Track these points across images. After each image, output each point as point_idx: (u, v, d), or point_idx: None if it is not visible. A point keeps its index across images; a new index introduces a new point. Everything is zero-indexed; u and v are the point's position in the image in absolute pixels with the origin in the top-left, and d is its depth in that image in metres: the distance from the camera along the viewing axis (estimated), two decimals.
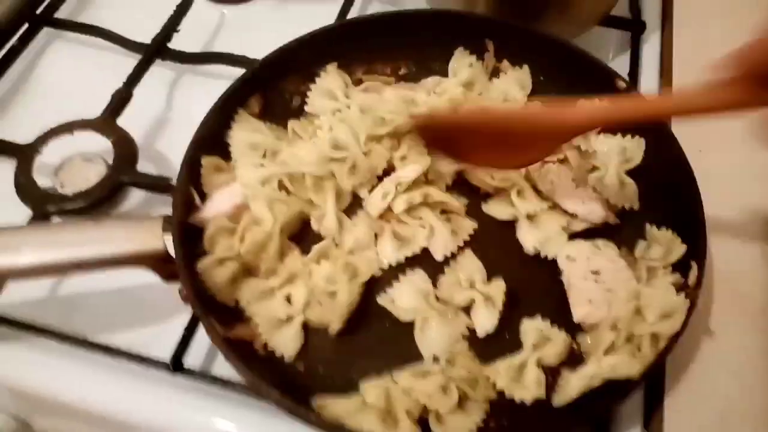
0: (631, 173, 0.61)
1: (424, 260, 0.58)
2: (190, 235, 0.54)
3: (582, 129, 0.52)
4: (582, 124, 0.51)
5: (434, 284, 0.56)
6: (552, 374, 0.52)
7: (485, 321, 0.52)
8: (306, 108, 0.65)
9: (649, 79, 0.74)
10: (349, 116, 0.62)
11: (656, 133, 0.60)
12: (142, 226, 0.51)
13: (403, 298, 0.55)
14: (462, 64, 0.67)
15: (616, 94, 0.61)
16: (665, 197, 0.58)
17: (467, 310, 0.54)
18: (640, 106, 0.49)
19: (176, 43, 0.77)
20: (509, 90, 0.66)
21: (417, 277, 0.56)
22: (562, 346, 0.52)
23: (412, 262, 0.57)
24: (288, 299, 0.54)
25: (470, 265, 0.56)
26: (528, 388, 0.49)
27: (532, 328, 0.53)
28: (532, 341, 0.52)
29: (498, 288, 0.53)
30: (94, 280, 0.61)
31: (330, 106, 0.64)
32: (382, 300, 0.55)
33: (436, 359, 0.52)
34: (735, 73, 0.42)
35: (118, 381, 0.55)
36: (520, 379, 0.50)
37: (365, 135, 0.60)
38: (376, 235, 0.58)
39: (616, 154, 0.61)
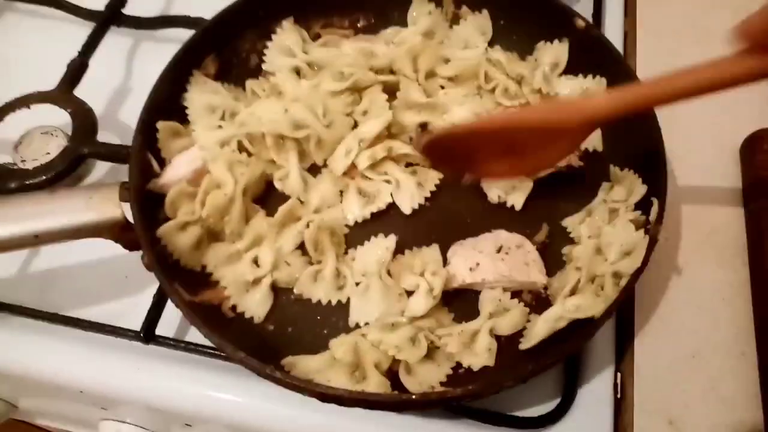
0: None
1: (389, 218, 0.57)
2: (150, 203, 0.54)
3: (595, 123, 0.48)
4: (594, 119, 0.46)
5: (394, 257, 0.55)
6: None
7: (417, 307, 0.51)
8: (263, 66, 0.63)
9: (613, 21, 0.72)
10: (301, 93, 0.60)
11: (616, 72, 0.59)
12: (99, 195, 0.50)
13: (363, 260, 0.55)
14: (421, 12, 0.65)
15: (578, 33, 0.60)
16: (627, 137, 0.57)
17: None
18: (650, 91, 0.44)
19: (131, 9, 0.75)
20: (470, 37, 0.64)
21: (383, 244, 0.55)
22: (519, 317, 0.51)
23: (380, 221, 0.57)
24: (255, 261, 0.54)
25: (431, 255, 0.55)
26: (478, 356, 0.49)
27: (489, 297, 0.52)
28: (489, 310, 0.51)
29: (440, 280, 0.52)
30: (64, 255, 0.61)
31: (288, 63, 0.63)
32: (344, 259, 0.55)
33: (357, 326, 0.52)
34: (743, 45, 0.40)
35: (93, 354, 0.56)
36: (471, 345, 0.50)
37: (322, 108, 0.59)
38: (341, 192, 0.58)
39: (577, 95, 0.60)
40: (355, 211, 0.57)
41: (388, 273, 0.54)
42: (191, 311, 0.47)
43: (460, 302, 0.54)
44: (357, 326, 0.52)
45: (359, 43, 0.64)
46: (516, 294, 0.53)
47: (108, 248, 0.54)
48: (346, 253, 0.56)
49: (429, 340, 0.50)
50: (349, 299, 0.53)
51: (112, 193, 0.50)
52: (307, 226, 0.55)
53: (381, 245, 0.55)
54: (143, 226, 0.50)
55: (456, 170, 0.57)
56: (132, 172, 0.52)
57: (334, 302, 0.53)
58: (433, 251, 0.55)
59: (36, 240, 0.49)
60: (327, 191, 0.57)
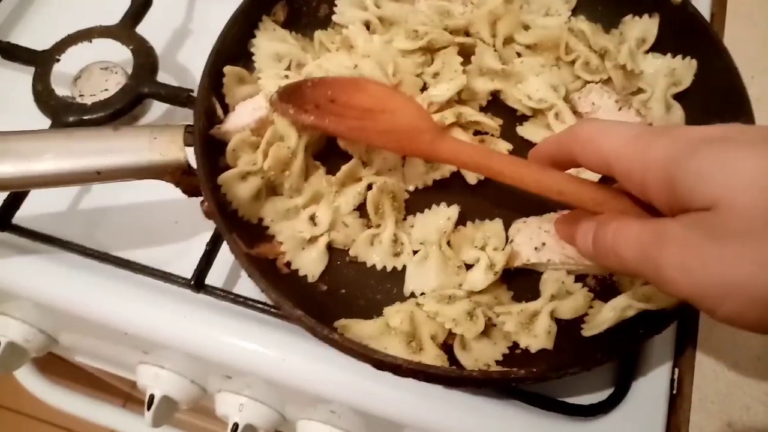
0: (678, 97, 0.57)
1: (452, 186, 0.55)
2: (212, 148, 0.52)
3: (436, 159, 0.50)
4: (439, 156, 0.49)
5: (455, 228, 0.53)
6: None
7: (476, 281, 0.49)
8: (334, 18, 0.61)
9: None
10: (372, 49, 0.57)
11: (709, 54, 0.55)
12: (163, 136, 0.49)
13: (422, 228, 0.53)
14: None
15: (670, 9, 0.57)
16: (715, 123, 0.54)
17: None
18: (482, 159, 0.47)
19: None
20: (552, 3, 0.61)
21: (445, 213, 0.53)
22: (582, 302, 0.49)
23: (442, 190, 0.55)
24: (312, 219, 0.53)
25: (494, 229, 0.53)
26: (537, 337, 0.47)
27: (552, 279, 0.50)
28: (551, 292, 0.49)
29: (503, 256, 0.50)
30: (115, 195, 0.60)
31: (359, 16, 0.60)
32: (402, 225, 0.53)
33: (413, 295, 0.50)
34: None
35: (141, 297, 0.55)
36: (530, 326, 0.48)
37: (392, 66, 0.56)
38: (404, 156, 0.56)
39: (663, 76, 0.57)
40: (417, 176, 0.55)
41: (448, 244, 0.52)
42: (250, 263, 0.46)
43: (520, 281, 0.52)
44: (412, 295, 0.50)
45: (435, 1, 0.61)
46: (580, 278, 0.51)
47: (159, 191, 0.54)
48: (404, 219, 0.54)
49: (486, 317, 0.48)
50: (405, 267, 0.52)
51: (177, 135, 0.49)
52: (369, 187, 0.53)
53: (443, 214, 0.53)
54: (206, 171, 0.48)
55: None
56: (197, 116, 0.51)
57: (389, 268, 0.52)
58: (496, 225, 0.53)
59: (98, 176, 0.48)
60: (390, 154, 0.55)
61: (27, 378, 0.74)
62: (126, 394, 1.22)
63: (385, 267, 0.52)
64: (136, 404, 1.13)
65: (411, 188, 0.55)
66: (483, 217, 0.54)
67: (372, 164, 0.55)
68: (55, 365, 0.84)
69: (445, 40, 0.57)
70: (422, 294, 0.50)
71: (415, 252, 0.52)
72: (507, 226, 0.53)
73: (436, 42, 0.57)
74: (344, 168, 0.54)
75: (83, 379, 0.95)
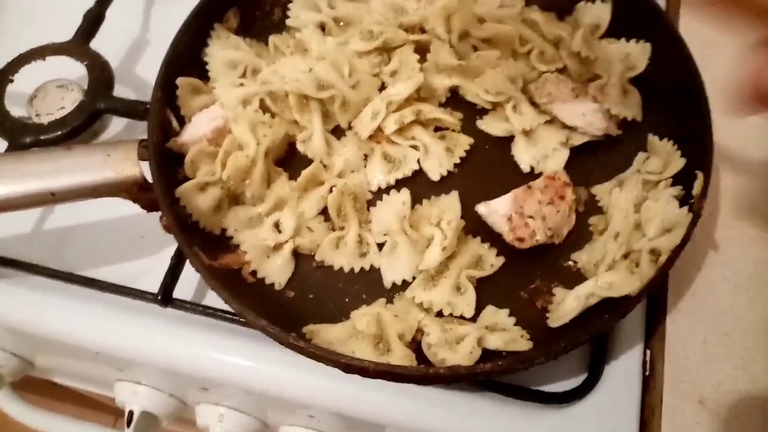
0: (634, 81, 0.57)
1: (416, 184, 0.55)
2: (169, 161, 0.52)
3: None
4: None
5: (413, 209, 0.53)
6: (541, 294, 0.50)
7: (431, 259, 0.49)
8: (287, 21, 0.61)
9: None
10: (327, 51, 0.57)
11: (662, 37, 0.55)
12: (117, 153, 0.48)
13: (380, 219, 0.53)
14: None
15: None
16: (670, 106, 0.54)
17: None
18: None
19: None
20: None
21: (398, 198, 0.53)
22: (512, 337, 0.47)
23: (404, 184, 0.55)
24: (276, 226, 0.52)
25: (448, 203, 0.53)
26: (457, 354, 0.45)
27: (491, 312, 0.49)
28: (485, 323, 0.48)
29: (455, 230, 0.50)
30: (79, 214, 0.60)
31: (313, 18, 0.60)
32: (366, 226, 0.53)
33: (395, 287, 0.50)
34: None
35: (109, 315, 0.55)
36: (453, 345, 0.46)
37: (348, 67, 0.56)
38: (365, 156, 0.56)
39: (619, 61, 0.57)
40: (379, 176, 0.55)
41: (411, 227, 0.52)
42: (211, 276, 0.46)
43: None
44: (394, 288, 0.50)
45: None
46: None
47: (123, 207, 0.53)
48: (369, 221, 0.54)
49: (472, 280, 0.49)
50: (372, 267, 0.52)
51: (131, 151, 0.49)
52: (330, 190, 0.53)
53: (396, 200, 0.53)
54: (162, 185, 0.48)
55: None
56: (151, 130, 0.50)
57: (356, 269, 0.52)
58: (451, 199, 0.53)
59: (53, 198, 0.47)
60: (351, 155, 0.55)
61: (6, 402, 0.73)
62: (117, 411, 1.21)
63: (352, 269, 0.52)
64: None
65: (374, 188, 0.55)
66: (439, 194, 0.54)
67: (333, 167, 0.55)
68: (43, 386, 0.83)
69: (400, 38, 0.57)
70: (407, 287, 0.50)
71: (380, 246, 0.52)
72: (466, 203, 0.53)
73: (391, 41, 0.57)
74: (305, 172, 0.53)
75: (73, 398, 0.94)
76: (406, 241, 0.51)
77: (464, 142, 0.56)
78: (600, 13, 0.59)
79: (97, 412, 1.08)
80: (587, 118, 0.55)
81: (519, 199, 0.51)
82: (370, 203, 0.54)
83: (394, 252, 0.51)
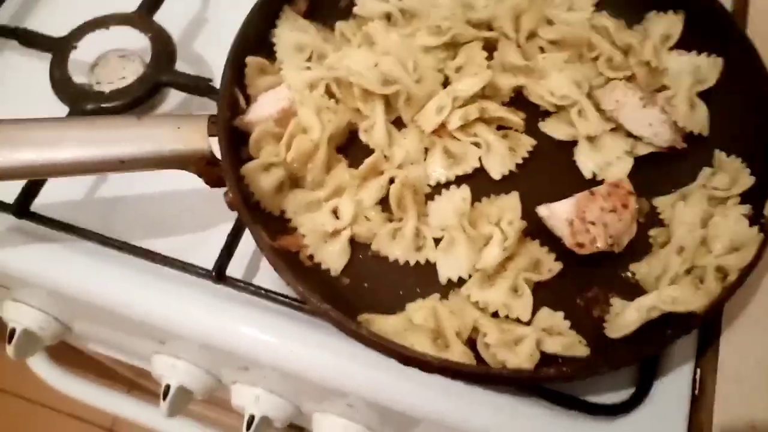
0: (703, 95, 0.56)
1: (476, 182, 0.55)
2: (235, 139, 0.52)
3: None
4: None
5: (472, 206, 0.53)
6: (598, 303, 0.50)
7: (489, 258, 0.49)
8: (355, 10, 0.60)
9: None
10: (392, 46, 0.57)
11: (736, 52, 0.55)
12: (187, 126, 0.48)
13: (438, 214, 0.53)
14: None
15: (696, 6, 0.56)
16: (739, 122, 0.54)
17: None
18: None
19: None
20: None
21: (458, 195, 0.53)
22: (574, 343, 0.47)
23: (463, 181, 0.55)
24: (335, 212, 0.52)
25: (509, 203, 0.53)
26: (518, 356, 0.46)
27: (546, 315, 0.49)
28: (542, 325, 0.48)
29: (516, 231, 0.50)
30: (134, 184, 0.60)
31: (380, 8, 0.59)
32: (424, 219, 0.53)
33: (450, 283, 0.50)
34: None
35: (160, 287, 0.55)
36: (513, 347, 0.46)
37: (412, 63, 0.56)
38: (426, 150, 0.56)
39: (688, 74, 0.56)
40: (440, 171, 0.55)
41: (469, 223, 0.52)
42: (274, 255, 0.45)
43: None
44: (449, 284, 0.50)
45: None
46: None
47: (175, 180, 0.53)
48: (426, 215, 0.54)
49: (530, 283, 0.48)
50: (427, 261, 0.51)
51: (201, 125, 0.49)
52: (391, 181, 0.53)
53: (457, 196, 0.53)
54: (231, 162, 0.48)
55: None
56: (221, 107, 0.50)
57: (412, 262, 0.51)
58: (511, 199, 0.53)
59: (121, 165, 0.47)
60: (412, 147, 0.55)
61: (39, 365, 0.74)
62: (130, 381, 1.22)
63: (407, 262, 0.52)
64: (140, 391, 1.13)
65: (433, 183, 0.55)
66: (498, 193, 0.54)
67: (394, 158, 0.55)
68: (61, 352, 0.84)
69: (469, 35, 0.57)
70: (463, 285, 0.50)
71: (437, 241, 0.52)
72: (525, 205, 0.53)
73: (459, 37, 0.57)
74: (367, 161, 0.53)
75: (87, 365, 0.95)
76: (464, 238, 0.51)
77: (527, 143, 0.56)
78: (671, 24, 0.59)
79: (112, 381, 1.09)
80: (654, 128, 0.54)
81: (581, 204, 0.51)
82: (428, 197, 0.54)
83: (451, 248, 0.51)
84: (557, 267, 0.51)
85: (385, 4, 0.60)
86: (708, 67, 0.56)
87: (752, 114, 0.52)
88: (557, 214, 0.51)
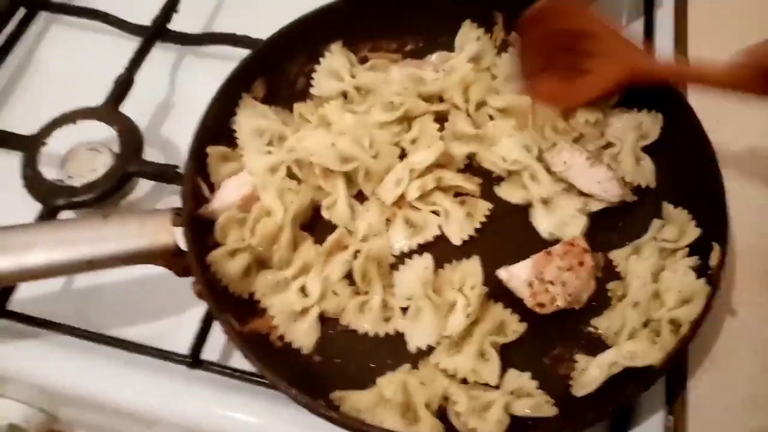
0: (647, 149, 0.59)
1: (437, 249, 0.57)
2: (199, 228, 0.53)
3: (649, 76, 0.57)
4: (653, 71, 0.57)
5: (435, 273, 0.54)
6: (563, 360, 0.52)
7: (455, 324, 0.51)
8: (312, 90, 0.63)
9: (663, 46, 0.71)
10: (348, 125, 0.59)
11: (673, 106, 0.58)
12: (152, 221, 0.50)
13: (404, 284, 0.54)
14: (469, 37, 0.65)
15: None
16: (683, 174, 0.56)
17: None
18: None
19: (176, 24, 0.75)
20: None
21: (421, 263, 0.55)
22: (537, 403, 0.49)
23: (425, 249, 0.56)
24: (303, 290, 0.54)
25: (470, 268, 0.54)
26: (487, 423, 0.47)
27: (514, 376, 0.50)
28: (510, 388, 0.49)
29: (478, 296, 0.51)
30: (108, 274, 0.60)
31: (335, 87, 0.62)
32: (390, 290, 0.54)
33: (420, 352, 0.51)
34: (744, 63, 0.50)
35: (137, 375, 0.55)
36: (482, 414, 0.47)
37: (368, 140, 0.58)
38: (387, 221, 0.57)
39: (631, 130, 0.59)
40: (402, 241, 0.56)
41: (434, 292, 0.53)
42: (243, 343, 0.47)
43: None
44: (419, 353, 0.51)
45: (408, 69, 0.63)
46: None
47: (147, 268, 0.54)
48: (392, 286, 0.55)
49: (496, 346, 0.50)
50: (396, 331, 0.53)
51: (165, 219, 0.50)
52: (355, 256, 0.54)
53: (419, 265, 0.55)
54: (196, 253, 0.49)
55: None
56: (185, 198, 0.52)
57: (381, 334, 0.53)
58: (472, 264, 0.54)
59: (89, 265, 0.49)
60: (374, 220, 0.57)
61: None
62: None
63: (377, 334, 0.53)
64: None
65: (396, 253, 0.56)
66: (460, 258, 0.55)
67: (357, 231, 0.56)
68: None
69: (421, 108, 0.60)
70: (430, 353, 0.51)
71: (404, 310, 0.53)
72: (487, 268, 0.54)
73: (412, 111, 0.59)
74: (330, 238, 0.55)
75: None
76: (429, 306, 0.52)
77: (484, 207, 0.58)
78: None
79: None
80: (603, 185, 0.56)
81: (539, 264, 0.53)
82: (393, 267, 0.56)
83: (418, 317, 0.52)
84: (522, 328, 0.52)
85: (339, 83, 0.63)
86: (650, 123, 0.59)
87: (693, 167, 0.55)
88: (517, 275, 0.53)
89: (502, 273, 0.53)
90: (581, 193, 0.57)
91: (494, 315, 0.52)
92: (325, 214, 0.57)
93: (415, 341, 0.52)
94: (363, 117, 0.59)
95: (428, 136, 0.58)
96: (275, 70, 0.63)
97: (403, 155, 0.59)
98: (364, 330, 0.53)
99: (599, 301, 0.53)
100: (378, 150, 0.58)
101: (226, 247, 0.53)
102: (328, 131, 0.59)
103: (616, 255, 0.55)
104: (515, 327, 0.52)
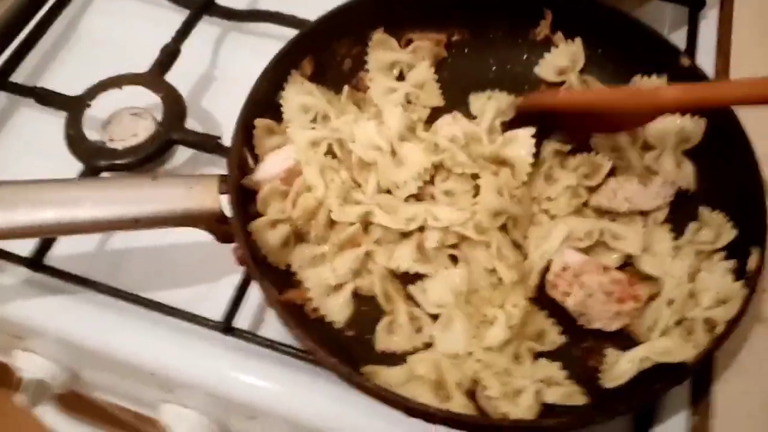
0: (689, 152, 0.59)
1: None
2: (243, 196, 0.54)
3: (665, 110, 0.56)
4: (666, 106, 0.54)
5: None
6: (593, 354, 0.52)
7: (495, 338, 0.50)
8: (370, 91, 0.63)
9: (705, 58, 0.72)
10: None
11: (717, 111, 0.58)
12: (199, 185, 0.51)
13: (434, 292, 0.54)
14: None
15: (678, 71, 0.60)
16: (724, 178, 0.56)
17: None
18: (714, 90, 0.53)
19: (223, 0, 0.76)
20: (559, 63, 0.64)
21: (454, 275, 0.54)
22: (568, 392, 0.49)
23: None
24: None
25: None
26: (519, 407, 0.47)
27: (543, 365, 0.51)
28: (539, 376, 0.49)
29: (520, 310, 0.51)
30: (143, 237, 0.62)
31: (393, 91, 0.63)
32: (413, 289, 0.54)
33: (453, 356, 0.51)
34: None
35: (169, 338, 0.56)
36: (514, 398, 0.47)
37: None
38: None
39: (673, 134, 0.59)
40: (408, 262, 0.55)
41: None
42: (283, 310, 0.48)
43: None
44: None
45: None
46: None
47: (184, 233, 0.55)
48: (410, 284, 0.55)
49: (532, 352, 0.50)
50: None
51: (212, 185, 0.51)
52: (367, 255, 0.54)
53: (452, 276, 0.54)
54: (240, 221, 0.50)
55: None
56: (231, 167, 0.53)
57: (419, 346, 0.52)
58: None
59: (135, 224, 0.50)
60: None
61: (46, 414, 0.74)
62: (136, 430, 1.21)
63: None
64: None
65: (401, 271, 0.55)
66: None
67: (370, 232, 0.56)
68: (68, 400, 0.85)
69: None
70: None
71: (433, 317, 0.53)
72: None
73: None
74: (344, 234, 0.55)
75: (93, 414, 0.95)
76: (461, 317, 0.51)
77: None
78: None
79: (118, 429, 1.09)
80: (662, 193, 0.57)
81: (589, 266, 0.53)
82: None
83: (449, 327, 0.52)
84: (560, 340, 0.52)
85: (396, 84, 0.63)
86: (692, 128, 0.59)
87: (735, 170, 0.55)
88: (567, 257, 0.53)
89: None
90: (643, 213, 0.57)
91: (536, 322, 0.52)
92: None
93: (444, 347, 0.51)
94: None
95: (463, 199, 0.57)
96: (323, 50, 0.63)
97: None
98: (401, 349, 0.52)
99: None
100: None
101: (267, 217, 0.53)
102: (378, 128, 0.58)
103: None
104: (554, 338, 0.52)
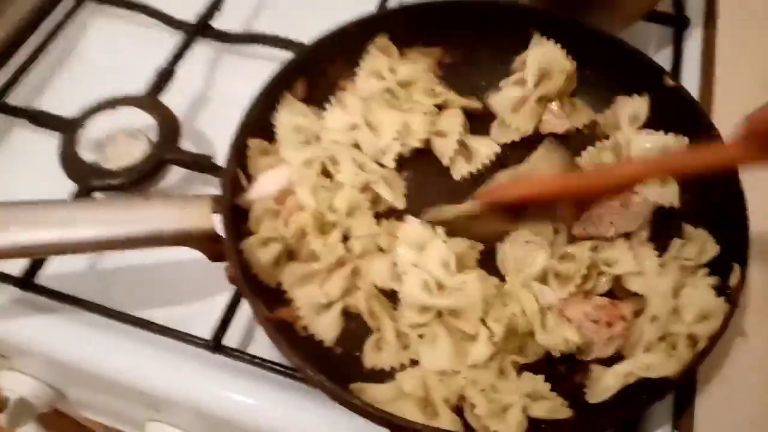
0: None
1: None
2: (235, 216, 0.55)
3: (634, 183, 0.58)
4: (634, 179, 0.56)
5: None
6: (578, 369, 0.53)
7: (479, 354, 0.51)
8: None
9: (690, 77, 0.73)
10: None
11: (699, 130, 0.59)
12: (192, 205, 0.52)
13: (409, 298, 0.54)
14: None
15: (662, 90, 0.61)
16: (706, 195, 0.57)
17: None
18: (670, 162, 0.56)
19: (218, 22, 0.77)
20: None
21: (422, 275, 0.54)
22: (553, 406, 0.50)
23: None
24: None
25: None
26: (508, 425, 0.47)
27: (528, 379, 0.51)
28: (525, 390, 0.50)
29: (504, 328, 0.51)
30: (133, 255, 0.62)
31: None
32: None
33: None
34: (743, 133, 0.46)
35: (158, 356, 0.57)
36: (501, 415, 0.48)
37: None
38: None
39: (657, 151, 0.60)
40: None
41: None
42: (272, 328, 0.48)
43: None
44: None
45: None
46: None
47: (174, 251, 0.55)
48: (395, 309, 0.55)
49: (515, 366, 0.50)
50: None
51: (204, 205, 0.52)
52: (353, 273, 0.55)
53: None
54: (232, 240, 0.51)
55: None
56: (224, 188, 0.54)
57: (406, 363, 0.53)
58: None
59: (128, 243, 0.51)
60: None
61: None
62: None
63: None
64: None
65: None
66: None
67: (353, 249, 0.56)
68: (51, 420, 0.85)
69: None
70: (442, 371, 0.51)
71: (417, 329, 0.53)
72: None
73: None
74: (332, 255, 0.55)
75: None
76: (445, 333, 0.52)
77: None
78: (638, 106, 0.63)
79: None
80: (642, 211, 0.58)
81: (568, 300, 0.53)
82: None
83: (435, 343, 0.52)
84: (542, 351, 0.52)
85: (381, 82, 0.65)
86: (675, 146, 0.60)
87: (716, 189, 0.56)
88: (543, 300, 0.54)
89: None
90: (626, 235, 0.57)
91: (518, 337, 0.53)
92: None
93: (429, 364, 0.51)
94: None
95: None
96: (316, 72, 0.65)
97: None
98: (388, 365, 0.52)
99: None
100: None
101: (259, 235, 0.54)
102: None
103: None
104: (536, 349, 0.53)
